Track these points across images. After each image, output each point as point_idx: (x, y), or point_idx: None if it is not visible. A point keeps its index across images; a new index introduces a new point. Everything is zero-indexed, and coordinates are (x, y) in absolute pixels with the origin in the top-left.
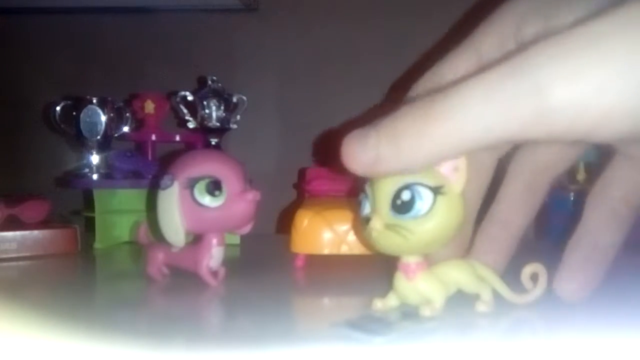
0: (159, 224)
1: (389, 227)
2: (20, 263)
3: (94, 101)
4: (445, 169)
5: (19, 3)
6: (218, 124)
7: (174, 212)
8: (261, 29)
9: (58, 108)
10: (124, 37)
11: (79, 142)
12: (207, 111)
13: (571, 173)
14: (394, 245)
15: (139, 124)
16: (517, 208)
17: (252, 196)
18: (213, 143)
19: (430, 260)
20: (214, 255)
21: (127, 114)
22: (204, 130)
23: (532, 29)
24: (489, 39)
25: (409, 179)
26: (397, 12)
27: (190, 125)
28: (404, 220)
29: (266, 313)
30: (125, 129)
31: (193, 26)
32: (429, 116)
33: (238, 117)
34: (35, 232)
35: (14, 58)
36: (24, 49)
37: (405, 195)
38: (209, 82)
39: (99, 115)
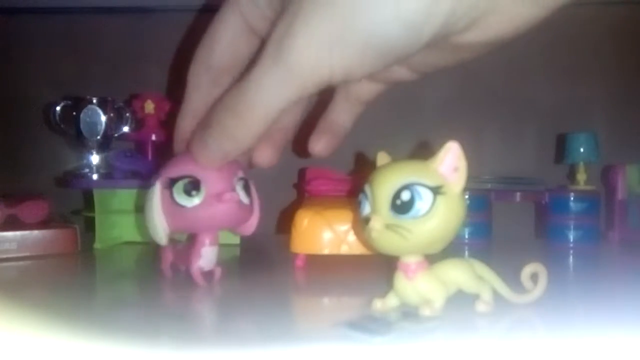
0: (145, 222)
1: (388, 227)
2: (20, 263)
3: (94, 101)
4: (444, 168)
5: (18, 3)
6: None
7: (155, 212)
8: None
9: (58, 108)
10: (124, 37)
11: (79, 142)
12: None
13: (571, 173)
14: (393, 246)
15: (139, 124)
16: (343, 119)
17: (229, 197)
18: None
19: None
20: (203, 255)
21: (127, 114)
22: None
23: None
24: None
25: (408, 179)
26: None
27: None
28: (404, 220)
29: (266, 313)
30: (125, 129)
31: (193, 26)
32: (237, 101)
33: None
34: (35, 232)
35: (14, 58)
36: (24, 49)
37: (405, 196)
38: None
39: (99, 115)
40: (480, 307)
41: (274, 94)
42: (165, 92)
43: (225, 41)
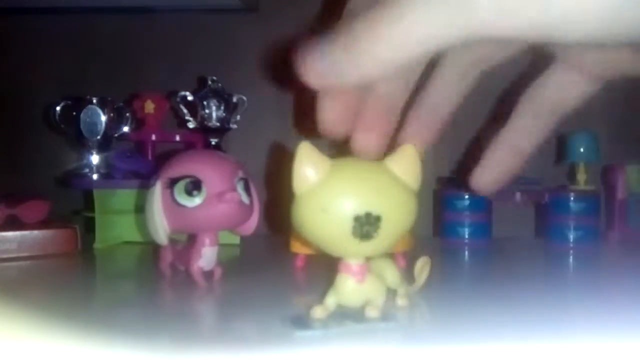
0: (145, 222)
1: None
2: (20, 263)
3: (94, 101)
4: (398, 169)
5: (18, 3)
6: (218, 124)
7: (156, 212)
8: (261, 29)
9: (58, 108)
10: (124, 37)
11: (79, 142)
12: (207, 111)
13: (571, 173)
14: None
15: (139, 124)
16: (448, 93)
17: (230, 197)
18: (213, 143)
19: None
20: (204, 255)
21: (127, 114)
22: (204, 130)
23: None
24: None
25: None
26: None
27: (190, 125)
28: None
29: (266, 313)
30: (125, 129)
31: (193, 26)
32: (382, 20)
33: (238, 117)
34: (35, 232)
35: (14, 58)
36: (24, 49)
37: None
38: (209, 82)
39: (99, 115)
40: (401, 300)
41: (434, 27)
42: (165, 92)
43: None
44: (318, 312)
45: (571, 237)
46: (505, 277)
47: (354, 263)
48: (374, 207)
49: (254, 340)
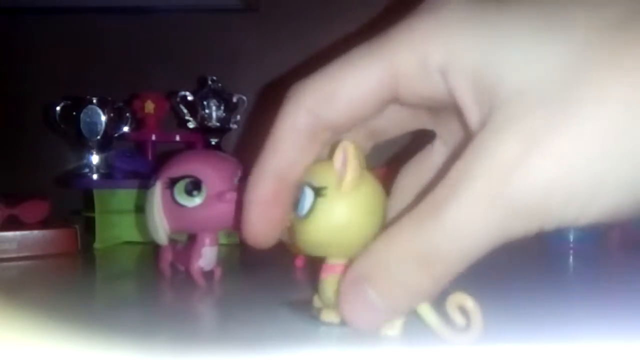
0: (145, 222)
1: (290, 225)
2: (20, 263)
3: (94, 101)
4: (339, 169)
5: (19, 3)
6: (218, 124)
7: (156, 211)
8: (261, 29)
9: (58, 108)
10: (124, 37)
11: (79, 142)
12: (207, 111)
13: None
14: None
15: (139, 124)
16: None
17: (230, 197)
18: (213, 143)
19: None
20: (203, 254)
21: (127, 114)
22: (204, 130)
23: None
24: (404, 53)
25: (304, 179)
26: (399, 13)
27: (190, 125)
28: (295, 218)
29: (266, 313)
30: (125, 129)
31: (193, 26)
32: (432, 249)
33: (238, 117)
34: (35, 232)
35: (14, 58)
36: (24, 49)
37: (297, 194)
38: (209, 82)
39: (99, 115)
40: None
41: (482, 238)
42: (165, 92)
43: (359, 90)
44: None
45: (571, 237)
46: (505, 277)
47: (341, 263)
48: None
49: (254, 340)
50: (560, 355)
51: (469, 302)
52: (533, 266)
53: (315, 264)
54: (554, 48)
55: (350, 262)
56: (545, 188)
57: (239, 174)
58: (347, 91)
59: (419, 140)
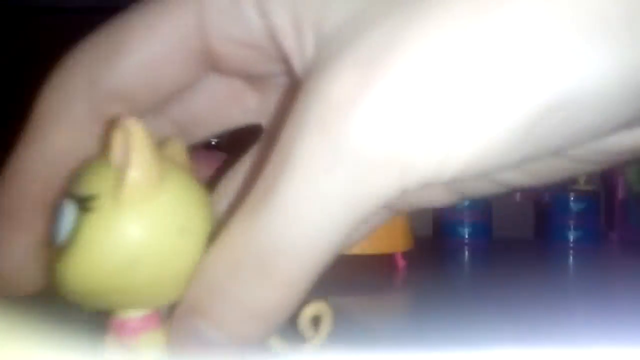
0: None
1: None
2: None
3: None
4: (119, 164)
5: (19, 3)
6: None
7: None
8: None
9: None
10: None
11: None
12: None
13: None
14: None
15: None
16: None
17: None
18: (213, 143)
19: None
20: None
21: None
22: None
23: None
24: None
25: (67, 186)
26: None
27: None
28: (54, 247)
29: None
30: None
31: None
32: (267, 251)
33: None
34: None
35: (14, 58)
36: (24, 49)
37: (57, 210)
38: None
39: None
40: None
41: (333, 213)
42: None
43: (155, 39)
44: None
45: (571, 237)
46: (505, 277)
47: (143, 315)
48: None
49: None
50: (560, 356)
51: (325, 314)
52: (533, 266)
53: None
54: None
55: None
56: (394, 122)
57: None
58: (136, 43)
59: None
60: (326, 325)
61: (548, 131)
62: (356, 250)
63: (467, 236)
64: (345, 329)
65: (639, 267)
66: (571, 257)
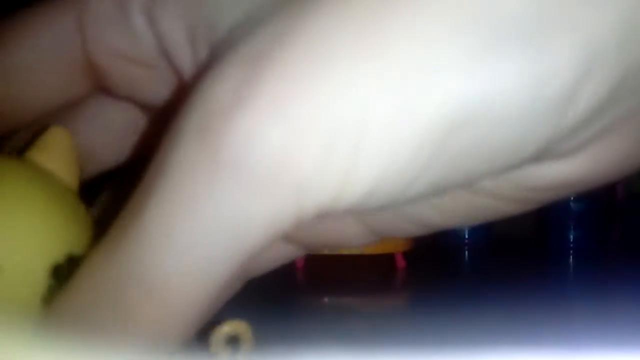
0: None
1: None
2: None
3: None
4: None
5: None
6: None
7: None
8: None
9: None
10: None
11: None
12: None
13: None
14: None
15: None
16: None
17: None
18: None
19: None
20: None
21: None
22: None
23: None
24: None
25: None
26: None
27: None
28: None
29: (266, 313)
30: None
31: None
32: (122, 294)
33: None
34: None
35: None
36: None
37: None
38: None
39: None
40: None
41: (214, 243)
42: None
43: (28, 58)
44: None
45: (571, 237)
46: (505, 277)
47: None
48: (75, 241)
49: (254, 340)
50: (560, 356)
51: (243, 333)
52: (533, 266)
53: (315, 265)
54: None
55: None
56: (283, 127)
57: None
58: (14, 46)
59: None
60: (246, 346)
61: (458, 150)
62: (356, 250)
63: (467, 236)
64: (345, 329)
65: (639, 267)
66: (571, 257)
